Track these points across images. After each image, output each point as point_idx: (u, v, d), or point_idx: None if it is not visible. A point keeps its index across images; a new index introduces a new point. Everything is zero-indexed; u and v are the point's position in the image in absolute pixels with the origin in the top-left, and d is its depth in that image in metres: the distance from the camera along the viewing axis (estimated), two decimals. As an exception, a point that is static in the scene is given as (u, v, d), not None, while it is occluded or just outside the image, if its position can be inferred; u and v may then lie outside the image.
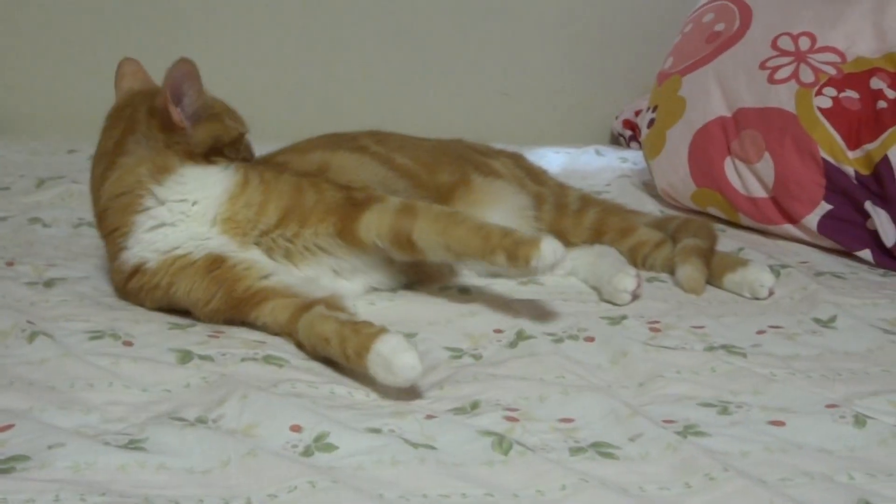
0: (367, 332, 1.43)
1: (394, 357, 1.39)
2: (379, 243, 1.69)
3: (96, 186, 1.70)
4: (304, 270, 1.70)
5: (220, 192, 1.67)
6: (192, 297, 1.64)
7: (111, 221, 1.68)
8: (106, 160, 1.69)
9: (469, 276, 1.89)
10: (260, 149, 1.95)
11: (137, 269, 1.66)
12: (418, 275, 1.84)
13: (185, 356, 1.51)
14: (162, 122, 1.64)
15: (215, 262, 1.64)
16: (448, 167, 1.93)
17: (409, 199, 1.73)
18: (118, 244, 1.67)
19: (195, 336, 1.59)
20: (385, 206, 1.69)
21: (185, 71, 1.63)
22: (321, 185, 1.72)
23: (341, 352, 1.46)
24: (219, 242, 1.66)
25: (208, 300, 1.63)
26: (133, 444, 1.22)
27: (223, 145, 1.70)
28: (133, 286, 1.68)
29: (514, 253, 1.59)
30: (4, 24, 3.13)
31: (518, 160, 2.12)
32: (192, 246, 1.65)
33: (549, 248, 1.58)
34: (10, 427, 1.24)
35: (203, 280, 1.63)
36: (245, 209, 1.67)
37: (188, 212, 1.66)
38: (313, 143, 1.94)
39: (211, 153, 1.68)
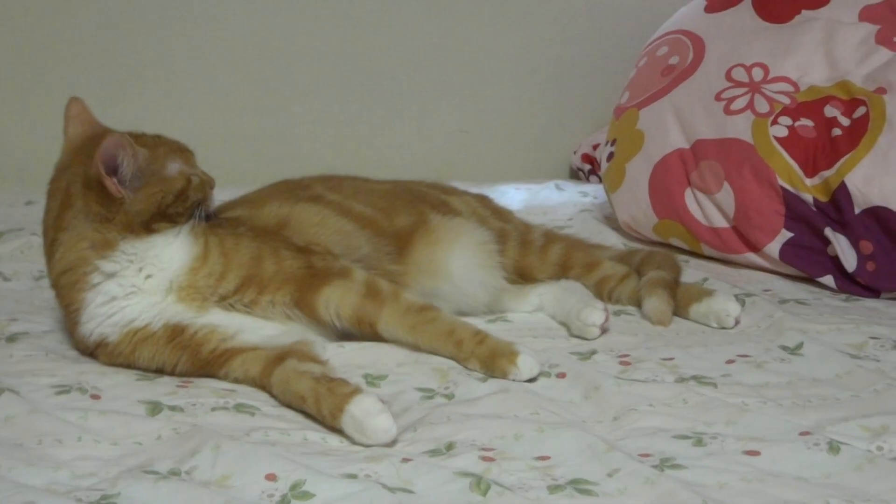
0: (341, 393, 1.43)
1: (366, 420, 1.39)
2: (338, 323, 1.70)
3: (46, 259, 1.68)
4: (268, 328, 1.67)
5: (178, 265, 1.63)
6: (156, 362, 1.63)
7: (63, 298, 1.66)
8: (49, 235, 1.65)
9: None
10: (218, 195, 1.95)
11: (99, 344, 1.64)
12: None
13: (155, 408, 1.49)
14: (98, 194, 1.59)
15: (175, 331, 1.61)
16: (405, 210, 1.93)
17: (373, 278, 1.72)
18: (74, 319, 1.65)
19: (164, 387, 1.57)
20: (348, 283, 1.69)
21: (116, 142, 1.56)
22: (280, 252, 1.70)
23: (317, 411, 1.46)
24: (175, 311, 1.62)
25: (174, 364, 1.62)
26: (105, 500, 1.20)
27: (167, 206, 1.62)
28: (98, 355, 1.65)
29: (489, 364, 1.62)
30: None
31: (483, 200, 2.13)
32: (149, 317, 1.61)
33: (526, 364, 1.61)
34: (-22, 487, 1.21)
35: (165, 348, 1.62)
36: (205, 279, 1.64)
37: (140, 285, 1.61)
38: (267, 193, 1.91)
39: (154, 220, 1.61)
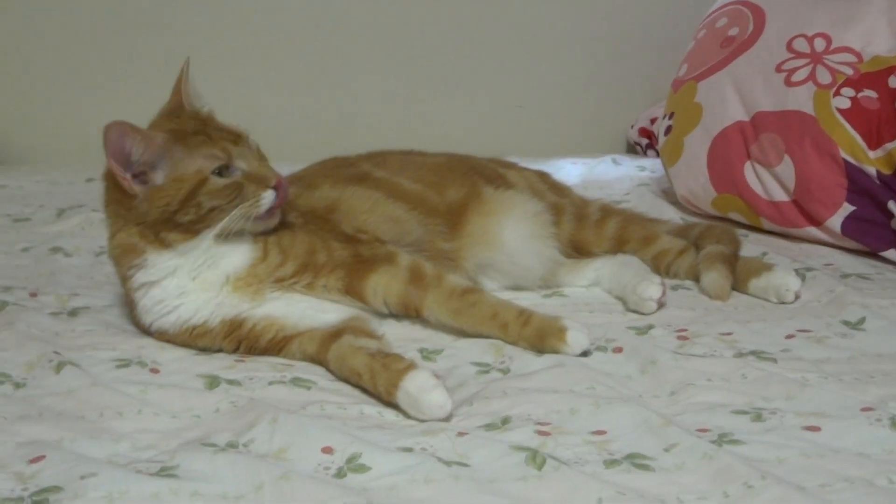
0: (396, 369, 1.43)
1: (421, 395, 1.39)
2: (385, 309, 1.68)
3: None
4: (327, 315, 1.64)
5: (237, 266, 1.59)
6: (214, 348, 1.63)
7: (120, 281, 1.66)
8: None
9: (492, 293, 1.89)
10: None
11: (157, 333, 1.64)
12: None
13: (213, 381, 1.50)
14: (114, 189, 1.55)
15: (233, 325, 1.60)
16: (456, 182, 1.93)
17: (418, 263, 1.68)
18: (131, 306, 1.66)
19: (222, 361, 1.59)
20: (394, 269, 1.66)
21: (118, 132, 1.48)
22: (331, 243, 1.67)
23: (373, 387, 1.46)
24: (231, 303, 1.60)
25: (233, 351, 1.62)
26: (165, 472, 1.22)
27: (173, 213, 1.52)
28: (156, 338, 1.65)
29: (538, 344, 1.59)
30: (19, 56, 3.15)
31: (543, 176, 2.12)
32: (205, 314, 1.60)
33: (577, 340, 1.58)
34: (41, 458, 1.24)
35: (224, 339, 1.62)
36: (264, 269, 1.61)
37: (189, 287, 1.59)
38: (317, 173, 1.90)
39: (163, 228, 1.54)
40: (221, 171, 1.54)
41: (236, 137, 1.59)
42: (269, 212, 1.58)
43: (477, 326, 1.65)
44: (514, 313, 1.63)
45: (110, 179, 1.56)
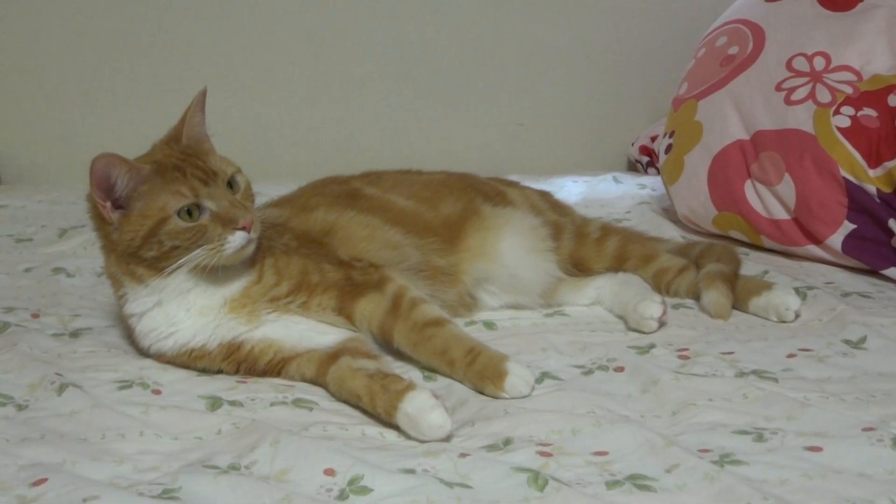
0: (395, 390, 1.43)
1: (420, 416, 1.39)
2: (369, 335, 1.66)
3: None
4: (326, 337, 1.63)
5: (233, 290, 1.59)
6: (214, 369, 1.62)
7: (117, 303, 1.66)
8: None
9: (494, 312, 1.90)
10: (274, 188, 1.95)
11: (157, 356, 1.64)
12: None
13: (215, 402, 1.51)
14: (99, 219, 1.55)
15: (231, 348, 1.60)
16: (451, 197, 1.93)
17: (402, 291, 1.65)
18: (128, 330, 1.66)
19: (223, 382, 1.59)
20: (379, 296, 1.64)
21: (106, 161, 1.49)
22: (323, 266, 1.66)
23: (372, 408, 1.46)
24: (229, 325, 1.59)
25: (234, 373, 1.62)
26: (167, 494, 1.22)
27: (137, 248, 1.52)
28: (156, 360, 1.65)
29: (480, 387, 1.55)
30: (22, 75, 3.16)
31: (545, 195, 2.13)
32: (203, 338, 1.59)
33: (515, 387, 1.52)
34: (43, 481, 1.24)
35: (223, 362, 1.61)
36: (258, 289, 1.61)
37: (182, 317, 1.58)
38: (311, 193, 1.89)
39: (131, 262, 1.54)
40: (190, 210, 1.51)
41: (210, 176, 1.55)
42: (240, 250, 1.55)
43: (430, 361, 1.61)
44: (464, 350, 1.57)
45: (92, 201, 1.55)
